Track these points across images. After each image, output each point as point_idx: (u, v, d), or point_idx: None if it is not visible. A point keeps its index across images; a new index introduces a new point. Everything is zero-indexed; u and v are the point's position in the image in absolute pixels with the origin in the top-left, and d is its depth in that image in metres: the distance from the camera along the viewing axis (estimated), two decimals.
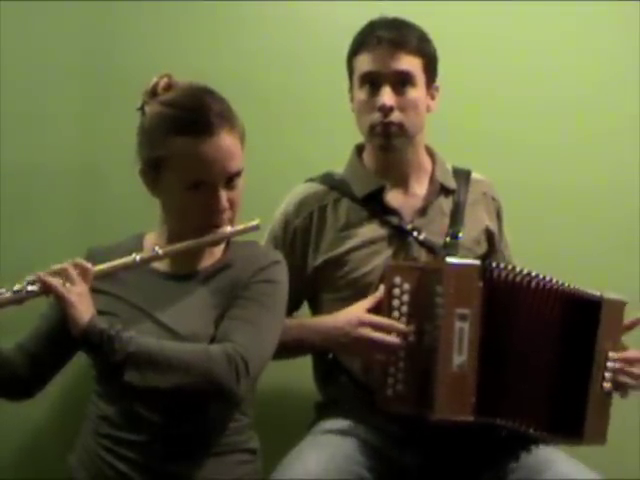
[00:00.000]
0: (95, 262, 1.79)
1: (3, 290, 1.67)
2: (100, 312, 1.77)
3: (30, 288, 1.67)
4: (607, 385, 1.92)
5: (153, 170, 1.82)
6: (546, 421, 1.91)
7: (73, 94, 2.41)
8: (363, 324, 1.95)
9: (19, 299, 1.67)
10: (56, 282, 1.67)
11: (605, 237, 2.56)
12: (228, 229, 1.82)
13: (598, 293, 1.93)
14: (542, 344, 1.92)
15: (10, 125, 2.36)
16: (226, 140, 1.78)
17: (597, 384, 1.91)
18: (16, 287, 1.67)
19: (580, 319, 1.92)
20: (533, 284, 1.92)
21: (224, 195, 1.79)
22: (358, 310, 1.98)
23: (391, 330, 1.94)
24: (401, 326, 1.94)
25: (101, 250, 1.89)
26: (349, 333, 1.96)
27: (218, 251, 1.90)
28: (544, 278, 1.93)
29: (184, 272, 1.87)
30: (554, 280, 1.93)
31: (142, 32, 2.45)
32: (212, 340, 1.78)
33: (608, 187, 2.56)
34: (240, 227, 1.84)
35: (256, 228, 1.86)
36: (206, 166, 1.77)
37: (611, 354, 1.92)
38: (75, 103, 2.41)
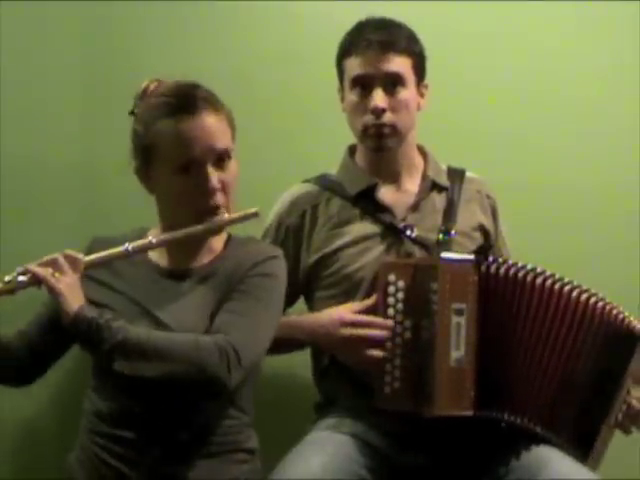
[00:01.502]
0: (96, 251, 1.81)
1: None
2: (98, 304, 1.78)
3: (21, 278, 1.69)
4: (619, 418, 1.91)
5: (144, 161, 1.84)
6: (554, 424, 1.91)
7: (74, 92, 2.41)
8: (344, 324, 1.97)
9: (11, 289, 1.69)
10: (45, 272, 1.69)
11: (605, 237, 2.55)
12: (225, 216, 1.82)
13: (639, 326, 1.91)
14: (547, 342, 1.92)
15: (11, 123, 2.37)
16: (209, 119, 1.80)
17: (614, 415, 1.90)
18: (7, 278, 1.69)
19: (605, 338, 1.91)
20: (530, 278, 1.92)
21: (214, 174, 1.79)
22: (343, 310, 2.00)
23: (372, 326, 1.95)
24: (381, 320, 1.96)
25: (105, 240, 1.90)
26: (332, 333, 1.98)
27: (217, 247, 1.90)
28: (543, 272, 1.93)
29: (184, 268, 1.87)
30: (565, 279, 1.94)
31: (142, 32, 2.45)
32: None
33: (608, 187, 2.55)
34: (238, 214, 1.84)
35: (255, 215, 1.85)
36: (191, 144, 1.78)
37: (631, 390, 1.91)
38: (76, 101, 2.42)
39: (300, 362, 2.16)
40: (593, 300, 1.92)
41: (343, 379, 2.05)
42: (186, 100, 1.80)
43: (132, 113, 1.88)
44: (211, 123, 1.80)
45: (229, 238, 1.92)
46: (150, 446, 1.76)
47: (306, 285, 2.13)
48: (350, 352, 1.98)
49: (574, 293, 1.92)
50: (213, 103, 1.82)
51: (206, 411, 1.80)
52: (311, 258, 2.11)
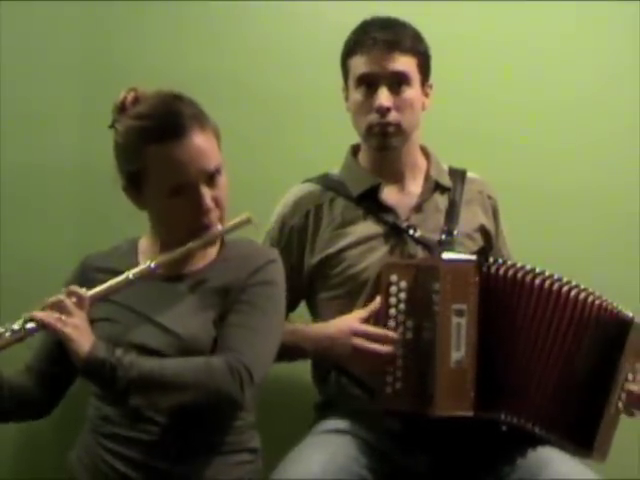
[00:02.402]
0: (90, 270, 1.82)
1: (2, 330, 1.66)
2: (99, 319, 1.78)
3: (29, 326, 1.66)
4: (620, 405, 1.92)
5: (134, 185, 1.82)
6: (553, 423, 1.91)
7: (73, 94, 2.42)
8: (356, 334, 1.96)
9: (19, 338, 1.66)
10: (51, 319, 1.65)
11: (605, 238, 2.55)
12: (219, 228, 1.81)
13: (630, 314, 1.92)
14: (545, 342, 1.91)
15: (10, 125, 2.37)
16: (198, 139, 1.77)
17: (613, 402, 1.90)
18: (15, 326, 1.66)
19: (602, 333, 1.91)
20: (529, 279, 1.92)
21: (208, 194, 1.78)
22: (351, 319, 1.99)
23: (384, 340, 1.94)
24: (394, 335, 1.95)
25: (96, 257, 1.90)
26: (342, 343, 1.97)
27: (213, 251, 1.90)
28: (543, 273, 1.93)
29: (179, 273, 1.86)
30: (563, 279, 1.93)
31: (142, 32, 2.46)
32: (214, 342, 1.77)
33: (608, 188, 2.55)
34: (231, 224, 1.83)
35: (248, 222, 1.85)
36: (182, 168, 1.76)
37: (630, 376, 1.92)
38: (75, 103, 2.42)
39: (300, 363, 2.14)
40: (590, 299, 1.92)
41: (344, 384, 2.05)
42: (172, 122, 1.75)
43: (112, 127, 1.84)
44: (200, 144, 1.77)
45: (222, 241, 1.92)
46: (156, 447, 1.76)
47: (309, 286, 2.13)
48: (359, 362, 1.98)
49: (572, 293, 1.92)
50: (199, 119, 1.79)
51: (213, 414, 1.81)
52: (314, 258, 2.10)
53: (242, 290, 1.81)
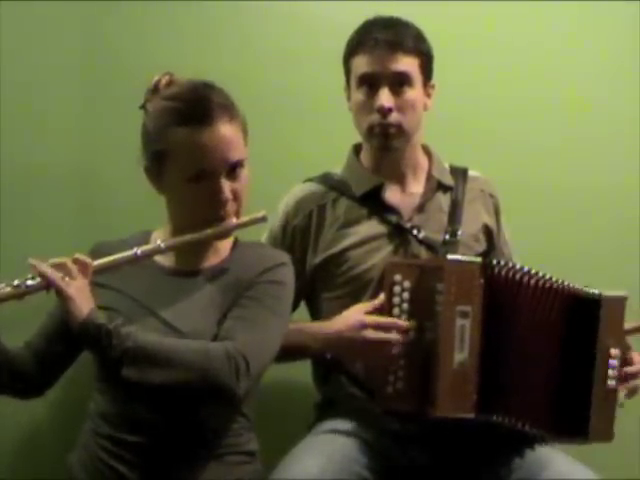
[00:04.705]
0: (100, 257, 1.79)
1: (2, 285, 1.66)
2: (102, 307, 1.76)
3: (30, 282, 1.66)
4: (611, 382, 1.92)
5: (156, 164, 1.82)
6: (549, 420, 1.92)
7: (73, 94, 2.41)
8: (366, 327, 1.95)
9: (19, 294, 1.66)
10: (55, 275, 1.66)
11: (605, 237, 2.56)
12: (234, 221, 1.81)
13: (597, 291, 1.93)
14: (543, 342, 1.93)
15: (10, 125, 2.36)
16: (225, 129, 1.78)
17: (600, 382, 1.91)
18: (16, 282, 1.66)
19: (580, 317, 1.92)
20: (533, 282, 1.93)
21: (227, 185, 1.78)
22: (357, 313, 1.98)
23: (393, 328, 1.94)
24: (403, 323, 1.94)
25: (107, 245, 1.88)
26: (352, 338, 1.95)
27: (224, 250, 1.90)
28: (544, 276, 1.94)
29: (189, 269, 1.86)
30: (554, 278, 1.94)
31: (142, 32, 2.45)
32: (215, 339, 1.76)
33: (608, 187, 2.56)
34: (246, 219, 1.83)
35: (263, 219, 1.85)
36: (206, 155, 1.77)
37: (613, 351, 1.92)
38: (75, 103, 2.41)
39: (300, 363, 2.14)
40: (559, 287, 1.93)
41: (344, 383, 2.05)
42: (202, 108, 1.78)
43: (142, 107, 1.87)
44: (226, 134, 1.78)
45: (235, 242, 1.92)
46: (154, 449, 1.75)
47: (310, 286, 2.13)
48: (371, 354, 1.96)
49: (546, 285, 1.93)
50: (228, 110, 1.81)
51: (211, 415, 1.80)
52: (317, 258, 2.10)
53: (249, 287, 1.81)
